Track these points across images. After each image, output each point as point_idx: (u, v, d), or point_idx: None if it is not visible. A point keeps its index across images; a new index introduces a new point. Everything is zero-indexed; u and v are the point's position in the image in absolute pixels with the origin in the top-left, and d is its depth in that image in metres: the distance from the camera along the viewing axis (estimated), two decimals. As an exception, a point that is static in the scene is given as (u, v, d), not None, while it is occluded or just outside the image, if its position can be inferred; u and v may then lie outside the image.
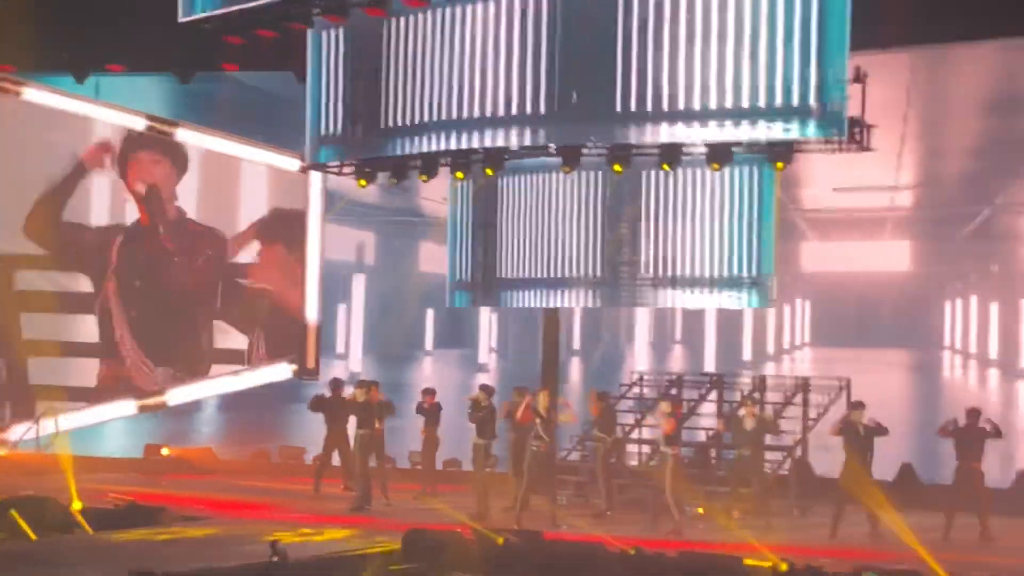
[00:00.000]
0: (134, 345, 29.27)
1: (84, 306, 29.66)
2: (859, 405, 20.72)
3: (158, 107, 29.88)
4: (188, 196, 29.63)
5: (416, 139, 22.03)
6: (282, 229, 28.85)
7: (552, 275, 24.74)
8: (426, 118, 21.76)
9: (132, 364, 29.26)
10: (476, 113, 21.20)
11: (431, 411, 24.24)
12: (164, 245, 29.38)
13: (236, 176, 29.33)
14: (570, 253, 24.71)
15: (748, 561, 16.31)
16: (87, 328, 29.59)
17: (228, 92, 29.68)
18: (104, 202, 29.79)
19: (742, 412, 21.84)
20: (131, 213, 29.69)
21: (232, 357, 29.08)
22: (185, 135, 29.20)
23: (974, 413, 20.29)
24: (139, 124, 29.22)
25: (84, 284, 29.60)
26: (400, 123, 22.14)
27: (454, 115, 21.38)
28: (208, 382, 29.17)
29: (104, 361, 29.48)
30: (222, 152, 29.00)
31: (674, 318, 65.28)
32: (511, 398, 22.42)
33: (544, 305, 25.27)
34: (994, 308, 53.51)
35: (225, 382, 29.08)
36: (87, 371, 29.44)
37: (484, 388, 22.85)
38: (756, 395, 23.80)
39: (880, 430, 20.39)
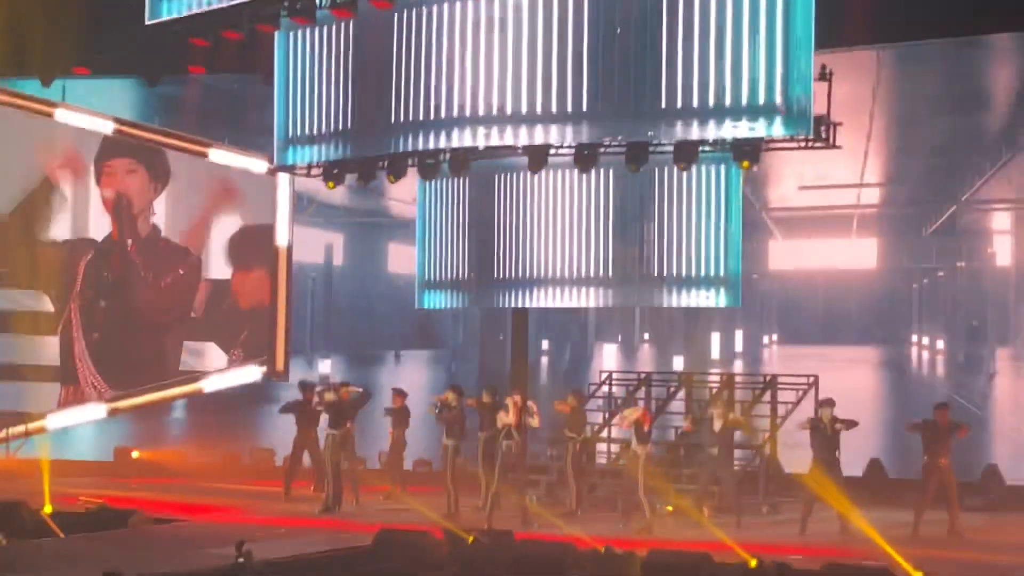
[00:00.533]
0: (92, 370, 28.81)
1: (46, 327, 29.02)
2: (828, 402, 20.76)
3: (125, 111, 29.72)
4: (161, 209, 29.21)
5: (384, 139, 22.06)
6: (253, 245, 28.67)
7: (525, 275, 24.81)
8: (392, 119, 21.78)
9: (86, 386, 28.84)
10: (443, 114, 21.24)
11: (400, 412, 24.25)
12: (132, 259, 28.99)
13: (203, 183, 29.08)
14: (541, 253, 24.78)
15: (718, 559, 16.38)
16: (49, 351, 29.22)
17: (195, 95, 29.61)
18: (71, 216, 29.29)
19: (711, 412, 21.91)
20: (103, 228, 29.28)
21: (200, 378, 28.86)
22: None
23: (942, 408, 20.39)
24: (107, 128, 28.87)
25: (46, 304, 29.08)
26: (368, 124, 22.16)
27: (420, 116, 21.41)
28: (179, 386, 28.99)
29: (64, 387, 29.07)
30: (192, 156, 28.77)
31: (642, 317, 65.38)
32: (481, 398, 22.41)
33: (523, 305, 25.35)
34: (961, 304, 53.64)
35: (195, 385, 28.97)
36: (48, 396, 28.98)
37: (454, 388, 22.85)
38: (725, 393, 23.86)
39: (849, 423, 20.45)
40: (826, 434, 20.38)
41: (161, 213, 28.96)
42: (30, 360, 28.78)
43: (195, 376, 28.54)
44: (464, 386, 23.40)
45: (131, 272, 28.84)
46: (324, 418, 23.15)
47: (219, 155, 28.58)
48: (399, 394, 24.45)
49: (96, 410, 28.55)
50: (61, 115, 28.55)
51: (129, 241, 28.89)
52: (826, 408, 20.62)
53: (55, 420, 28.32)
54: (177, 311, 28.77)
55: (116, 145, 28.90)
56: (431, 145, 21.50)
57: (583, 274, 24.58)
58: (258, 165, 28.03)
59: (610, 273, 24.42)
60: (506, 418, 21.21)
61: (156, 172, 28.83)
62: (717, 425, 21.41)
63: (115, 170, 28.91)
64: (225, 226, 28.84)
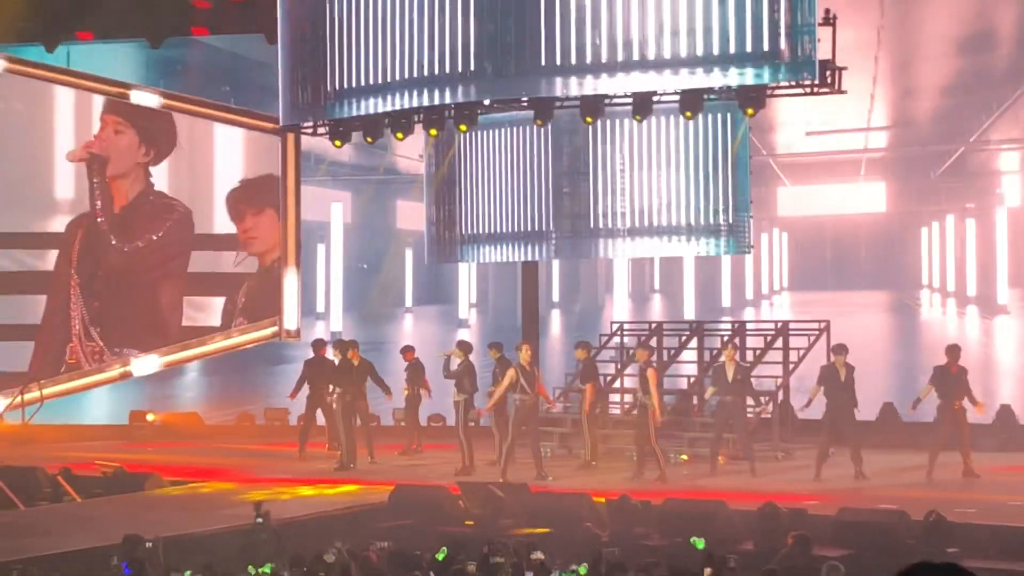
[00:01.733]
0: (96, 336, 28.60)
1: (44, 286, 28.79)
2: (841, 349, 20.77)
3: (129, 74, 29.68)
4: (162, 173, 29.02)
5: (388, 97, 22.02)
6: (257, 194, 28.62)
7: (524, 229, 24.81)
8: (397, 76, 21.71)
9: (91, 353, 28.65)
10: (447, 69, 21.16)
11: (412, 368, 24.31)
12: (97, 225, 28.76)
13: (210, 144, 29.00)
14: (550, 205, 24.77)
15: (732, 506, 16.43)
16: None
17: (199, 57, 29.58)
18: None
19: (723, 359, 21.89)
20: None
21: (204, 334, 28.69)
22: (144, 99, 28.69)
23: (953, 351, 20.41)
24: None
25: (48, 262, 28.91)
26: (371, 81, 22.10)
27: (424, 71, 21.33)
28: (191, 348, 28.96)
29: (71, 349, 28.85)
30: (196, 118, 28.68)
31: (652, 268, 65.41)
32: (488, 355, 22.47)
33: (520, 259, 25.37)
34: (971, 246, 53.60)
35: (208, 346, 28.95)
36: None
37: (461, 345, 22.86)
38: (736, 341, 23.81)
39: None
40: (839, 380, 20.39)
41: (162, 176, 28.80)
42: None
43: (206, 338, 28.50)
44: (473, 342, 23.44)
45: (101, 235, 28.61)
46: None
47: (226, 117, 28.54)
48: (408, 350, 24.50)
49: (112, 374, 28.62)
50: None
51: (99, 203, 28.62)
52: (839, 355, 20.63)
53: (64, 386, 28.35)
54: (173, 265, 28.61)
55: (118, 105, 28.77)
56: (436, 101, 21.44)
57: (593, 225, 24.56)
58: (265, 126, 27.96)
59: (619, 223, 24.40)
60: (513, 375, 21.23)
61: (151, 135, 28.64)
62: (730, 372, 21.36)
63: (104, 125, 28.73)
64: (228, 183, 28.75)
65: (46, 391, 27.38)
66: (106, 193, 28.65)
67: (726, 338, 24.27)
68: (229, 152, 28.86)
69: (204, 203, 28.86)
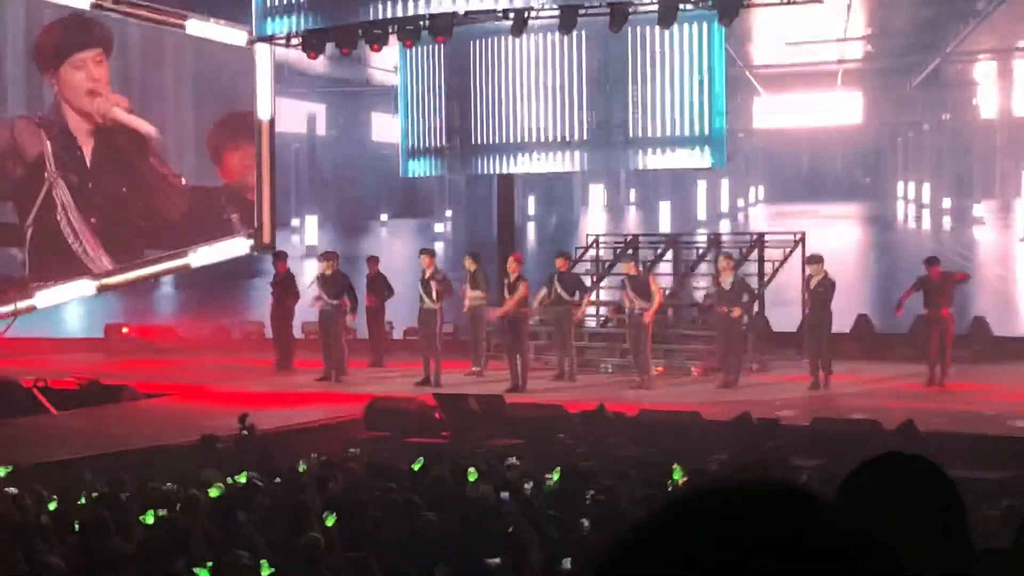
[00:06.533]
0: (95, 244, 28.29)
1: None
2: (816, 259, 20.76)
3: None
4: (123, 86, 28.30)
5: (363, 7, 21.87)
6: (234, 130, 28.31)
7: (511, 140, 24.71)
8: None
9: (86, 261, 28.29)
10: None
11: (375, 280, 24.09)
12: (103, 148, 28.15)
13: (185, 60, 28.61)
14: (527, 117, 24.65)
15: (707, 416, 16.51)
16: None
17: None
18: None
19: (721, 265, 21.62)
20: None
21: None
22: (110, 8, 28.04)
23: (933, 262, 20.45)
24: (84, 4, 28.11)
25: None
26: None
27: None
28: (166, 261, 28.83)
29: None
30: (165, 27, 28.29)
31: (627, 181, 65.43)
32: (464, 265, 22.35)
33: (507, 170, 25.31)
34: (947, 157, 53.72)
35: (182, 261, 28.82)
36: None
37: (424, 251, 22.65)
38: (735, 253, 23.40)
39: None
40: (816, 291, 20.42)
41: (132, 96, 28.33)
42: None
43: (181, 252, 28.36)
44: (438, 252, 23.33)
45: (105, 161, 28.25)
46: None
47: (196, 27, 28.14)
48: (372, 260, 24.33)
49: (85, 287, 28.37)
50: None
51: (92, 133, 28.20)
52: (815, 264, 20.63)
53: (43, 298, 28.13)
54: (158, 202, 28.35)
55: (75, 29, 28.14)
56: (411, 11, 21.31)
57: (566, 137, 24.47)
58: (237, 36, 27.64)
59: (593, 136, 24.32)
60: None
61: (108, 46, 28.12)
62: (727, 281, 21.10)
63: (84, 63, 28.14)
64: (204, 111, 28.40)
65: (20, 304, 27.26)
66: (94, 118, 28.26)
67: (701, 251, 24.29)
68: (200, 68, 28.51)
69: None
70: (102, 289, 28.62)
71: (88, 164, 27.75)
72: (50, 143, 27.46)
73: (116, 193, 28.00)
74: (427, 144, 25.76)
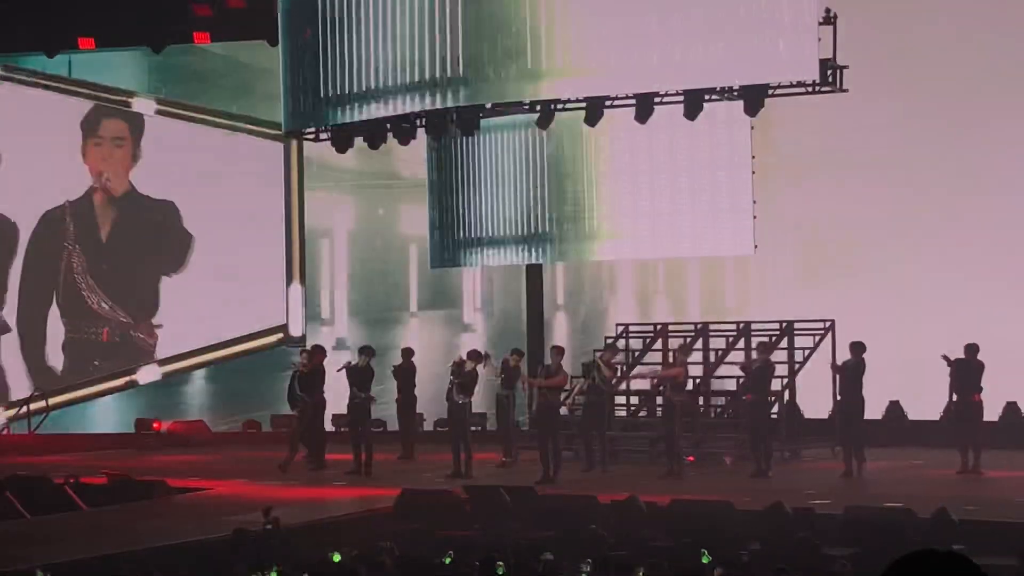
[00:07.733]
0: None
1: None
2: (859, 347, 20.79)
3: (130, 82, 29.65)
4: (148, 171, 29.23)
5: (390, 102, 21.97)
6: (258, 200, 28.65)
7: (537, 232, 24.76)
8: (399, 80, 21.68)
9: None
10: (448, 73, 21.14)
11: (403, 371, 24.26)
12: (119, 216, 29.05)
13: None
14: (556, 209, 24.68)
15: (740, 506, 16.42)
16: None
17: (201, 64, 29.53)
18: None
19: (754, 355, 21.67)
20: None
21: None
22: (144, 105, 28.70)
23: (972, 348, 20.40)
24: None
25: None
26: (373, 86, 22.06)
27: (426, 76, 21.30)
28: (199, 354, 28.98)
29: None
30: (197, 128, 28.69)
31: (655, 269, 65.16)
32: (506, 359, 22.51)
33: (531, 261, 25.42)
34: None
35: (215, 354, 28.96)
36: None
37: (472, 355, 22.80)
38: (771, 340, 23.30)
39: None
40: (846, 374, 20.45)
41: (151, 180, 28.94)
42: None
43: (210, 346, 28.54)
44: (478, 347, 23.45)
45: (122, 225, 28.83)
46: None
47: (229, 124, 28.52)
48: (406, 352, 24.51)
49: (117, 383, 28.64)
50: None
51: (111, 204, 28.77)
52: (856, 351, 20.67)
53: (69, 395, 28.39)
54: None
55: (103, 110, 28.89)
56: (438, 105, 21.41)
57: (595, 228, 24.49)
58: (267, 132, 27.89)
59: (626, 227, 24.31)
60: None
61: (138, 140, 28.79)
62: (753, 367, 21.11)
63: (104, 139, 28.90)
64: (233, 201, 28.76)
65: (51, 400, 27.36)
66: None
67: (731, 339, 24.20)
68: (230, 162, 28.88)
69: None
70: (129, 386, 28.78)
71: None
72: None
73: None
74: (456, 236, 25.81)
